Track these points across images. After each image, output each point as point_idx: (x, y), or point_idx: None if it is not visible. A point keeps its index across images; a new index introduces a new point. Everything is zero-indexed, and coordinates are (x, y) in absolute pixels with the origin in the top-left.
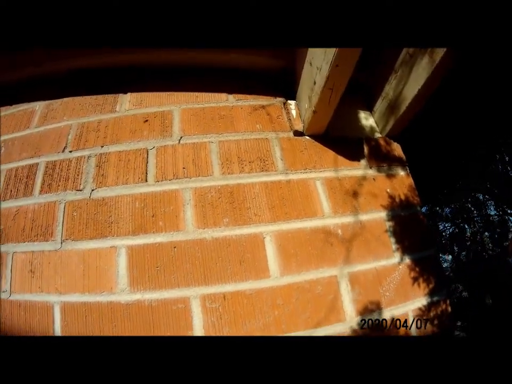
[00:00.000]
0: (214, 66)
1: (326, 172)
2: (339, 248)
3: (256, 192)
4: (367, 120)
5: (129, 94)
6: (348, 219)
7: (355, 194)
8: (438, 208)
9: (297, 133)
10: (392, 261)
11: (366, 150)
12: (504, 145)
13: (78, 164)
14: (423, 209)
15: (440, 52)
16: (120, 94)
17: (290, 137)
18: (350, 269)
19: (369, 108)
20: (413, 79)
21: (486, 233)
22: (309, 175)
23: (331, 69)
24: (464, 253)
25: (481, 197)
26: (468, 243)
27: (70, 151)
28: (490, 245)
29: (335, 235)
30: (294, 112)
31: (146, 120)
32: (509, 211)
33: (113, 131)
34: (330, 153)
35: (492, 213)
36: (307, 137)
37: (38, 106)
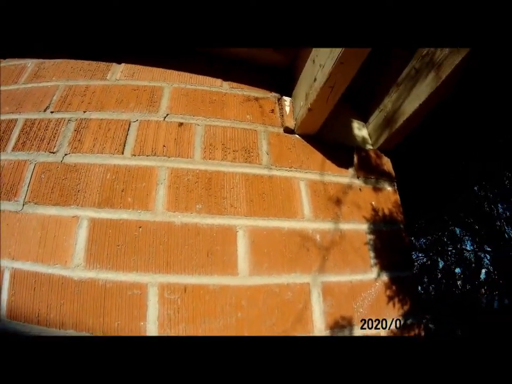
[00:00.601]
0: (213, 52)
1: (312, 174)
2: (315, 255)
3: (236, 183)
4: (360, 130)
5: (123, 64)
6: (327, 226)
7: (338, 201)
8: (412, 238)
9: (288, 130)
10: (369, 276)
11: (355, 159)
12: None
13: (56, 125)
14: None
15: (447, 69)
16: (114, 63)
17: (279, 133)
18: (324, 278)
19: (364, 119)
20: (415, 94)
21: (458, 269)
22: (294, 174)
23: (335, 66)
24: (433, 285)
25: (458, 231)
26: (439, 276)
27: (52, 112)
28: (460, 281)
29: (312, 240)
30: (287, 108)
31: (135, 90)
32: (486, 248)
33: (99, 98)
34: (319, 156)
35: (468, 248)
36: (297, 136)
37: (30, 63)
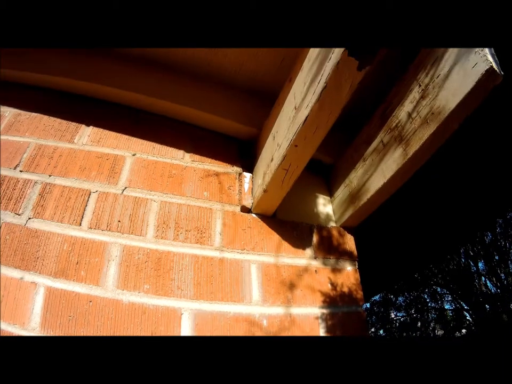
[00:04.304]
0: (183, 119)
1: (265, 256)
2: None
3: (185, 264)
4: (325, 206)
5: (91, 127)
6: (277, 310)
7: (292, 285)
8: (391, 296)
9: (245, 209)
10: None
11: (315, 239)
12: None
13: (24, 186)
14: (376, 298)
15: (415, 145)
16: (83, 126)
17: (235, 212)
18: None
19: (330, 193)
20: (380, 170)
21: (438, 325)
22: (246, 256)
23: (289, 148)
24: None
25: (439, 290)
26: (418, 333)
27: (21, 171)
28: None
29: (259, 325)
30: (246, 186)
31: (98, 158)
32: (465, 306)
33: (65, 163)
34: (275, 237)
35: (447, 306)
36: (254, 215)
37: (8, 113)
